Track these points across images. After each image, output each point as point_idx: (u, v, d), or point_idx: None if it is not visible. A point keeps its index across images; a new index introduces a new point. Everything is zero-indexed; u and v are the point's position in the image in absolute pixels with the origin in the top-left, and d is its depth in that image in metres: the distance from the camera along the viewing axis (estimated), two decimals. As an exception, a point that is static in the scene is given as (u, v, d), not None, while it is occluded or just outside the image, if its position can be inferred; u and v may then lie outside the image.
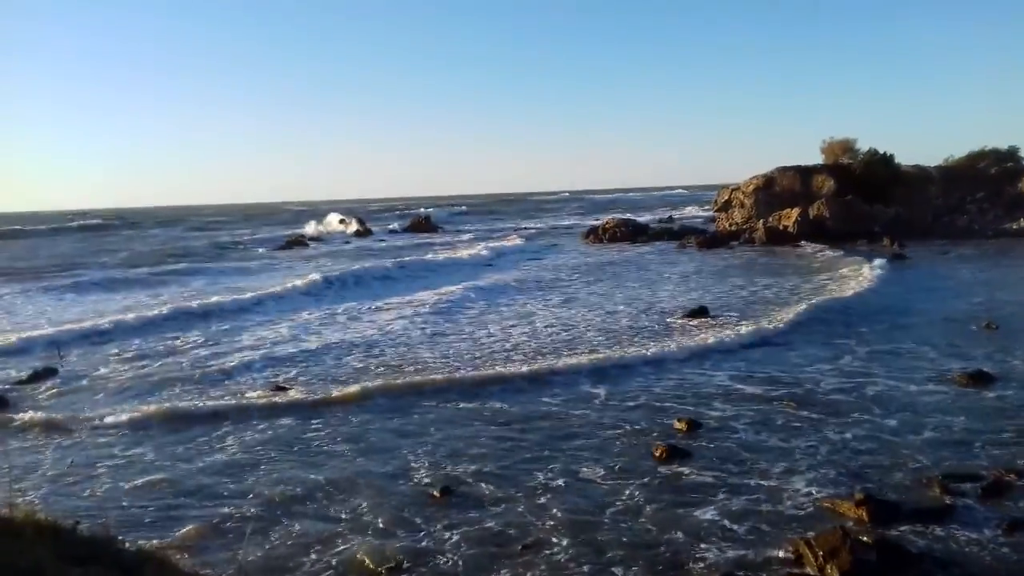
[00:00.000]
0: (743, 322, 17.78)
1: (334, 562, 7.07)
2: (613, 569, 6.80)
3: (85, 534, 4.78)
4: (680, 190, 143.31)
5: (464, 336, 17.34)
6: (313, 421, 11.36)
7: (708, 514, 7.86)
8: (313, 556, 7.19)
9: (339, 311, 21.34)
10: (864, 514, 7.49)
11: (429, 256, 36.10)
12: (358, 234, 59.62)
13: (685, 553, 7.04)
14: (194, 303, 22.22)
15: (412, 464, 9.59)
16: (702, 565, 6.81)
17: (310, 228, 62.69)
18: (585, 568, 6.84)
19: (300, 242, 51.87)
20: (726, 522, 7.65)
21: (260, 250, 48.13)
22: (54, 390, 13.66)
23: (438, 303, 21.83)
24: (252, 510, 8.29)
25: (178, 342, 17.49)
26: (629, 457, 9.57)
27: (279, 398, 12.43)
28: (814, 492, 8.30)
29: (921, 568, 6.56)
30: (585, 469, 9.22)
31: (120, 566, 4.38)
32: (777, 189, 41.44)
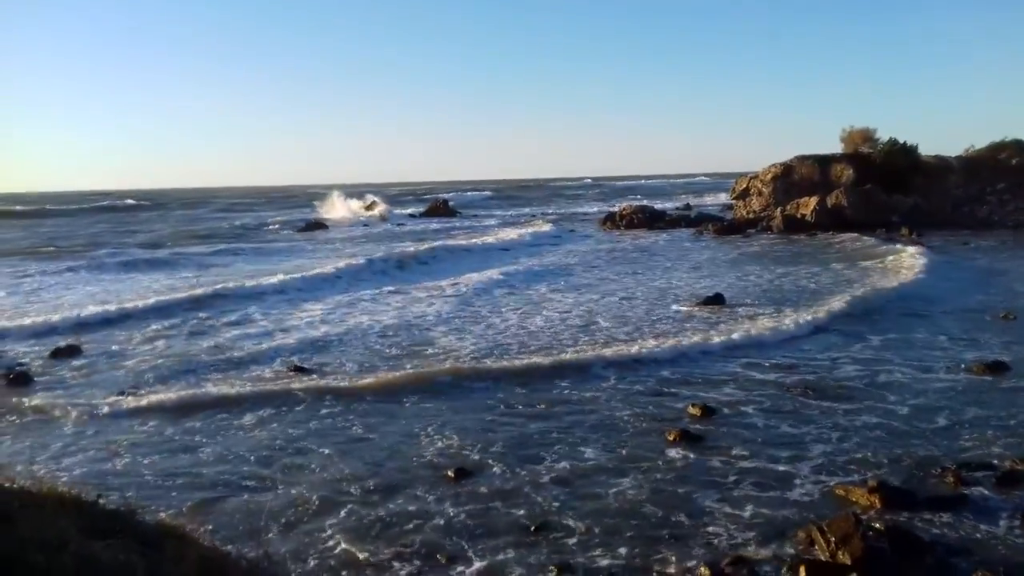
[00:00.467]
0: (760, 310, 17.74)
1: (342, 541, 7.17)
2: (621, 550, 6.86)
3: (107, 508, 4.86)
4: (702, 177, 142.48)
5: (491, 322, 17.20)
6: (338, 407, 11.30)
7: (719, 499, 7.90)
8: (328, 532, 7.29)
9: (368, 296, 21.27)
10: (877, 501, 7.51)
11: (452, 242, 35.39)
12: (380, 218, 59.65)
13: (696, 537, 7.08)
14: (217, 286, 22.11)
15: (427, 448, 9.67)
16: (714, 549, 6.85)
17: (336, 209, 63.10)
18: (598, 551, 6.90)
19: (320, 225, 52.14)
20: (737, 507, 7.69)
21: (285, 231, 48.50)
22: (75, 370, 13.81)
23: (471, 289, 21.82)
24: (273, 493, 8.39)
25: (208, 323, 17.65)
26: (643, 442, 9.61)
27: (299, 383, 12.42)
28: (826, 478, 8.32)
29: (934, 556, 6.56)
30: (596, 452, 9.27)
31: (141, 540, 4.44)
32: (795, 178, 41.16)
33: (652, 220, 44.68)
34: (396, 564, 6.76)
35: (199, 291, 21.27)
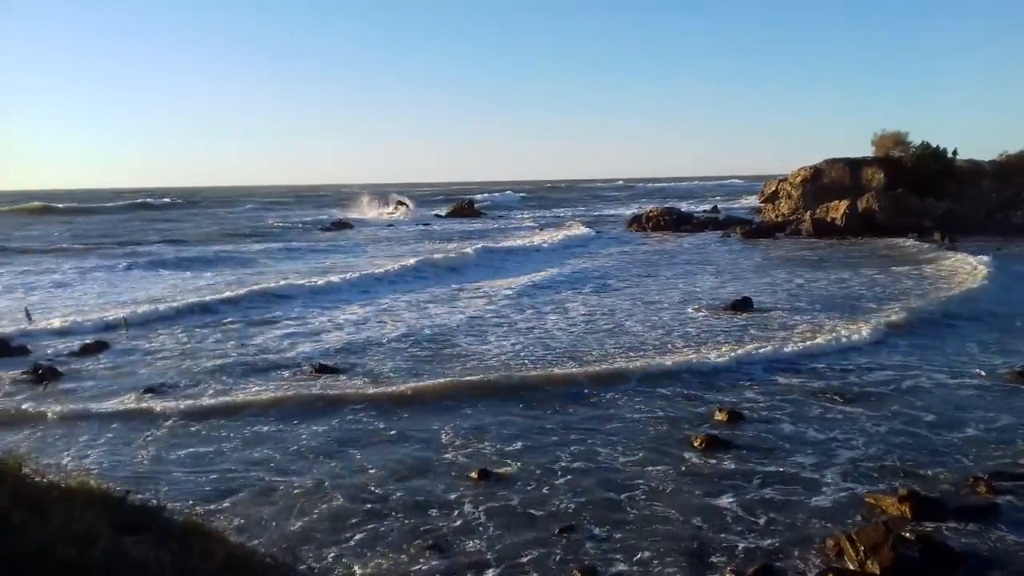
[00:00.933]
0: (790, 317, 17.58)
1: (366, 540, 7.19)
2: (644, 554, 6.82)
3: (136, 503, 4.89)
4: (735, 180, 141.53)
5: (521, 327, 16.89)
6: (370, 411, 11.15)
7: (745, 505, 7.82)
8: (352, 531, 7.32)
9: (404, 300, 21.03)
10: (907, 510, 7.39)
11: (469, 249, 33.48)
12: (405, 218, 59.91)
13: (723, 543, 7.02)
14: (256, 286, 22.08)
15: (450, 451, 9.67)
16: (740, 556, 6.79)
17: (363, 210, 63.62)
18: (620, 556, 6.86)
19: (347, 225, 52.51)
20: (764, 514, 7.61)
21: (314, 231, 48.89)
22: (100, 365, 13.98)
23: (503, 295, 21.33)
24: (298, 490, 8.45)
25: (247, 323, 17.74)
26: (668, 447, 9.55)
27: (327, 386, 12.44)
28: (855, 487, 8.22)
29: (965, 567, 6.46)
30: (620, 457, 9.23)
31: (169, 536, 4.47)
32: (825, 181, 40.77)
33: (679, 223, 44.45)
34: (419, 563, 6.76)
35: (243, 290, 21.36)
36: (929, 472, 8.56)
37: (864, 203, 37.51)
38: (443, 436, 10.05)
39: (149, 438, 10.08)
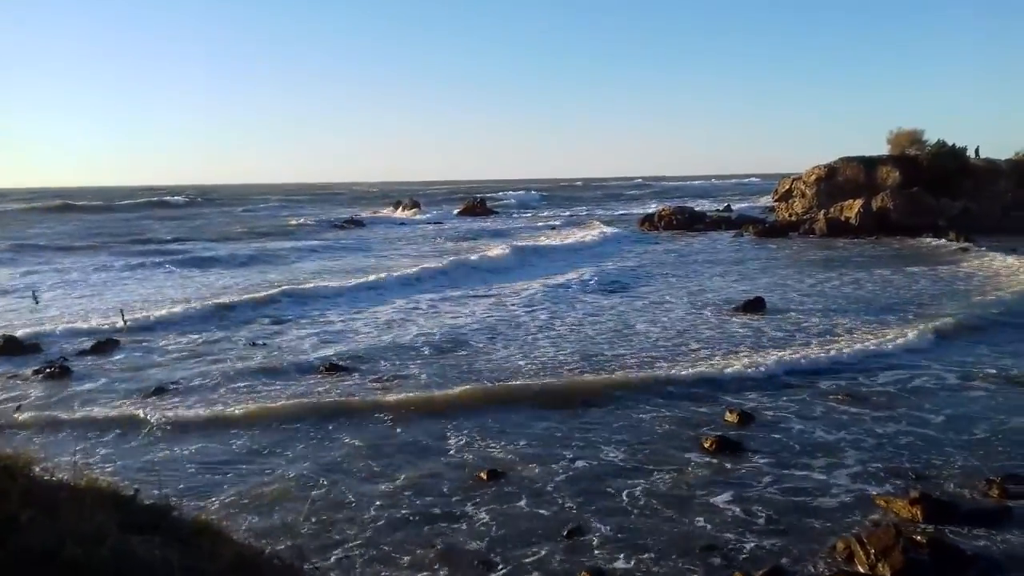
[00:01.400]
0: (801, 319, 17.50)
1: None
2: (651, 555, 6.80)
3: (144, 503, 4.91)
4: (753, 179, 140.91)
5: (533, 331, 16.64)
6: (385, 416, 10.96)
7: (756, 506, 7.79)
8: (360, 531, 7.33)
9: (425, 301, 20.74)
10: (918, 513, 7.34)
11: (476, 255, 31.46)
12: (415, 216, 60.08)
13: (732, 545, 7.00)
14: (280, 288, 21.97)
15: (459, 455, 9.68)
16: (750, 558, 6.76)
17: (383, 207, 63.99)
18: (620, 555, 6.84)
19: (358, 223, 52.79)
20: (774, 516, 7.58)
21: (328, 232, 48.90)
22: (110, 363, 14.07)
23: (520, 299, 20.75)
24: (310, 492, 8.46)
25: (269, 323, 17.71)
26: (681, 449, 9.52)
27: (338, 388, 12.45)
28: (868, 488, 8.17)
29: (976, 570, 6.41)
30: (629, 459, 9.21)
31: (177, 536, 4.48)
32: (839, 180, 40.50)
33: (691, 222, 44.28)
34: (427, 563, 6.77)
35: (274, 290, 21.39)
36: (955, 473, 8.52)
37: (879, 202, 37.27)
38: (458, 441, 10.06)
39: (158, 437, 10.11)
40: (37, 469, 4.71)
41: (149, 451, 9.65)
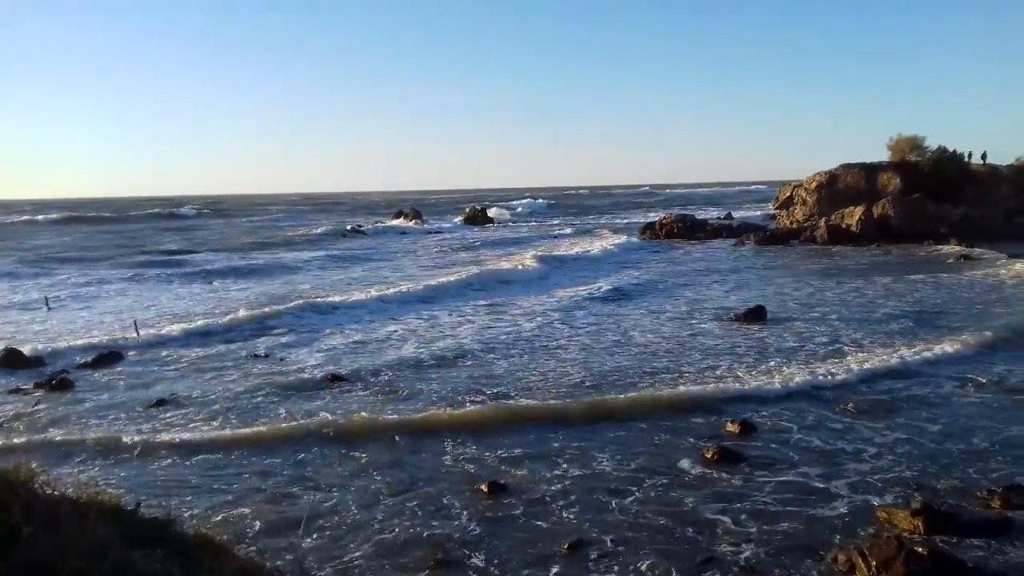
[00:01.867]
0: (803, 328, 17.48)
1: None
2: (650, 563, 6.79)
3: (146, 516, 4.91)
4: (759, 186, 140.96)
5: (543, 347, 16.40)
6: (385, 434, 10.72)
7: (757, 517, 7.78)
8: (362, 545, 7.32)
9: (454, 313, 20.54)
10: (920, 524, 7.32)
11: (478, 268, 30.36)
12: (413, 225, 60.20)
13: (734, 555, 6.99)
14: (292, 303, 21.27)
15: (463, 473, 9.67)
16: (752, 569, 6.75)
17: (384, 217, 64.26)
18: (619, 568, 6.84)
19: (361, 232, 53.19)
20: (776, 525, 7.57)
21: (340, 239, 49.23)
22: (111, 377, 14.06)
23: (529, 315, 19.94)
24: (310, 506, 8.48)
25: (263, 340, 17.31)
26: (683, 459, 9.50)
27: (336, 403, 12.45)
28: (869, 499, 8.16)
29: (978, 582, 6.39)
30: (636, 471, 9.21)
31: (179, 550, 4.48)
32: (840, 186, 40.47)
33: (692, 230, 44.27)
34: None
35: (289, 304, 21.06)
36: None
37: (880, 209, 37.25)
38: (459, 453, 10.05)
39: (156, 451, 10.09)
40: (39, 483, 4.72)
41: (146, 467, 9.61)
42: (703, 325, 17.72)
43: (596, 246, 39.01)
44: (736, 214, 61.22)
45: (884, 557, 6.40)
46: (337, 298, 22.17)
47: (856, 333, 16.39)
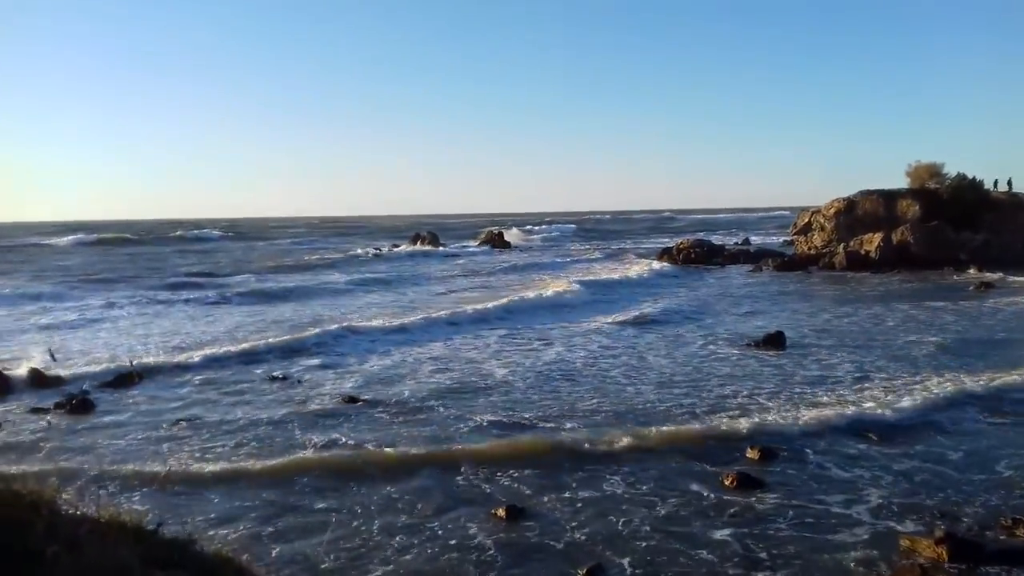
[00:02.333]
0: (824, 355, 17.37)
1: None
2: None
3: (166, 537, 4.92)
4: (783, 211, 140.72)
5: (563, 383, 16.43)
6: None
7: (778, 544, 7.71)
8: (378, 562, 7.31)
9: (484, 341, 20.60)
10: (944, 553, 7.23)
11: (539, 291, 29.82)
12: (430, 248, 60.50)
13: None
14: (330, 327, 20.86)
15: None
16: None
17: (401, 241, 64.86)
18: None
19: (380, 254, 54.19)
20: (798, 553, 7.50)
21: (369, 262, 49.50)
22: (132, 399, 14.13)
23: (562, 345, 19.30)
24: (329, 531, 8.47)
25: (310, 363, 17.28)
26: (703, 486, 9.43)
27: (358, 429, 12.42)
28: (891, 527, 8.07)
29: (1003, 613, 6.30)
30: (657, 498, 9.15)
31: (199, 570, 4.49)
32: (859, 213, 40.37)
33: (710, 255, 44.24)
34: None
35: (320, 328, 20.66)
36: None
37: (899, 235, 37.11)
38: (478, 479, 10.02)
39: (173, 473, 10.11)
40: (61, 503, 4.75)
41: (164, 492, 9.61)
42: (722, 351, 17.63)
43: (633, 271, 38.77)
44: (754, 239, 61.15)
45: (908, 586, 6.32)
46: (366, 323, 21.69)
47: (878, 360, 16.23)
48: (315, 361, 17.19)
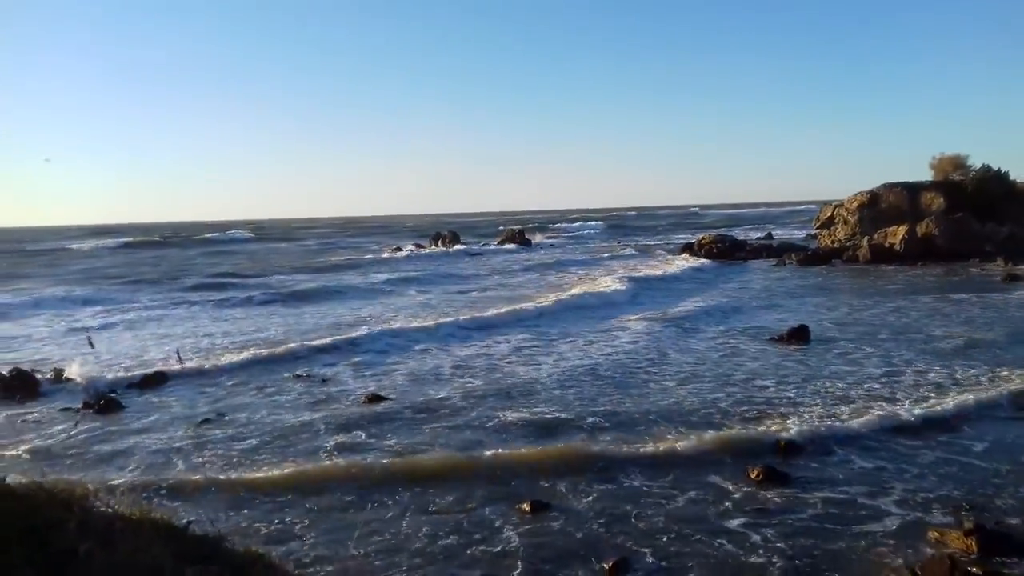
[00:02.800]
0: (850, 348, 17.25)
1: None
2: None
3: (197, 533, 4.98)
4: (810, 205, 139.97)
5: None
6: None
7: (805, 537, 7.68)
8: (405, 555, 7.35)
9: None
10: (973, 545, 7.17)
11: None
12: (450, 249, 60.60)
13: (782, 578, 6.90)
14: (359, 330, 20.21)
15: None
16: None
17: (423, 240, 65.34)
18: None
19: (411, 252, 56.00)
20: (825, 546, 7.46)
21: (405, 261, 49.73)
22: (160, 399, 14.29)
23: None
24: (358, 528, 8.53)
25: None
26: (728, 480, 9.40)
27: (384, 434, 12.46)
28: (919, 519, 8.01)
29: (1035, 605, 6.24)
30: (680, 492, 9.14)
31: (230, 566, 4.54)
32: (883, 206, 40.06)
33: (732, 249, 44.04)
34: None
35: (361, 330, 20.23)
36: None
37: (923, 228, 36.76)
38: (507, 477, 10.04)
39: (201, 468, 10.21)
40: (94, 500, 4.82)
41: (192, 495, 9.72)
42: (743, 345, 17.56)
43: (674, 266, 38.51)
44: (777, 234, 60.81)
45: (937, 578, 6.28)
46: (407, 324, 21.28)
47: (905, 354, 16.05)
48: (357, 359, 17.09)
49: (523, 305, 24.66)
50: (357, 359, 17.20)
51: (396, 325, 21.15)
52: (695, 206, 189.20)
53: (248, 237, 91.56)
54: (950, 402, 12.29)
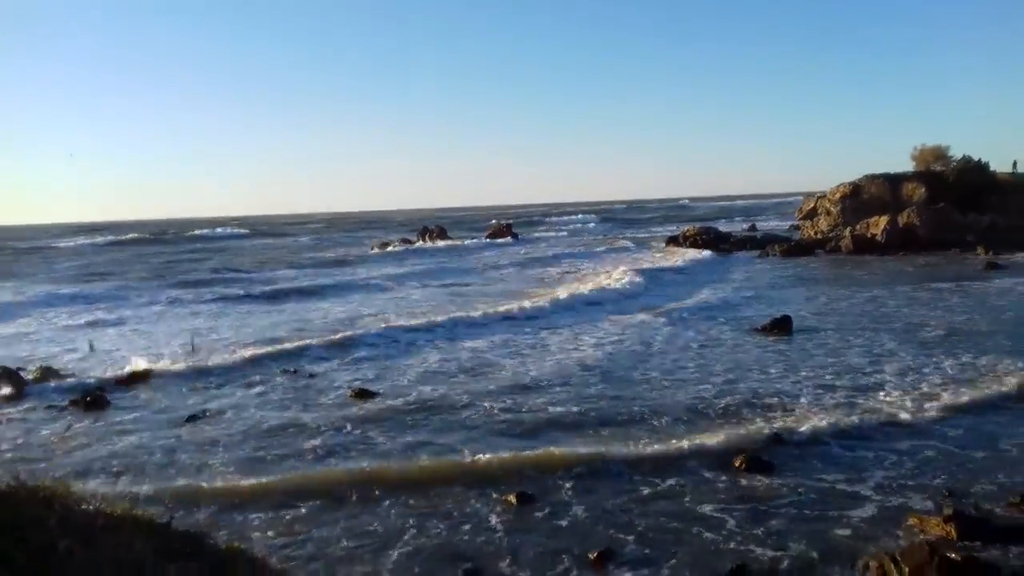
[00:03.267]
0: (831, 337, 17.34)
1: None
2: (676, 572, 6.79)
3: (179, 530, 4.97)
4: (798, 197, 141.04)
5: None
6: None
7: (788, 524, 7.75)
8: (391, 548, 7.37)
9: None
10: (952, 531, 7.25)
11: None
12: (439, 244, 60.55)
13: (762, 565, 6.95)
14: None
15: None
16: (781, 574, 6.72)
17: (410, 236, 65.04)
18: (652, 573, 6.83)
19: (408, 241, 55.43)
20: (806, 532, 7.52)
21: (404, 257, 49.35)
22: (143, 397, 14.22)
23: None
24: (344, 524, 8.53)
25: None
26: (710, 469, 9.46)
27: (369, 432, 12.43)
28: (899, 505, 8.09)
29: (1012, 588, 6.32)
30: (664, 481, 9.18)
31: (213, 563, 4.53)
32: (865, 197, 40.33)
33: (717, 241, 44.28)
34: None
35: (362, 329, 20.05)
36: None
37: (905, 218, 37.02)
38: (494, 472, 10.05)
39: (190, 467, 10.18)
40: (74, 498, 4.79)
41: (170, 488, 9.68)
42: (726, 337, 17.64)
43: (676, 258, 38.40)
44: (762, 225, 61.09)
45: (916, 563, 6.34)
46: (397, 321, 21.11)
47: (888, 344, 16.20)
48: (347, 356, 16.97)
49: (512, 304, 24.26)
50: (347, 355, 17.12)
51: (386, 323, 20.95)
52: (685, 198, 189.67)
53: (239, 234, 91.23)
54: (931, 391, 12.42)
